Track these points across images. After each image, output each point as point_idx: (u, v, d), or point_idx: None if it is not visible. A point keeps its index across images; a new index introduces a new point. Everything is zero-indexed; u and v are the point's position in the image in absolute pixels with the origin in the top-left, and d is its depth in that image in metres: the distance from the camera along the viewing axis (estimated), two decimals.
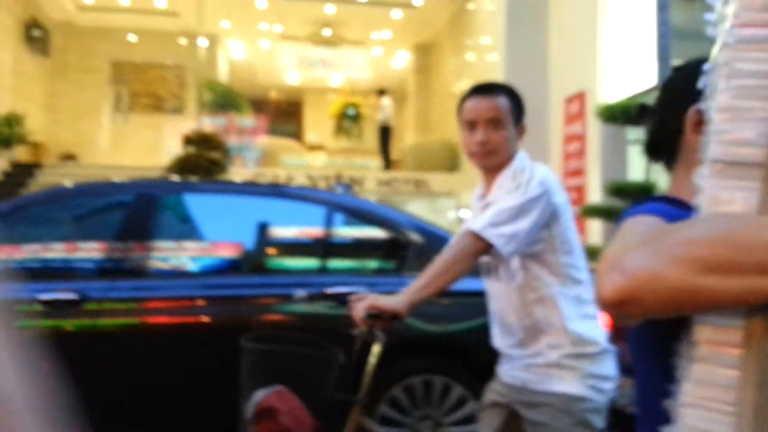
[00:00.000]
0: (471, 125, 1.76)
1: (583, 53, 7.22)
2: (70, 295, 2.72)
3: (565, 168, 7.57)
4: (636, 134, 6.59)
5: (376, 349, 1.79)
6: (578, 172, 7.23)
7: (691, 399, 0.68)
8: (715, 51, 0.83)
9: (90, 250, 3.10)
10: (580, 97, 7.24)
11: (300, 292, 2.84)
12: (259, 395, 1.69)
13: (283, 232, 3.42)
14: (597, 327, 1.71)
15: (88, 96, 13.95)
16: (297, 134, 17.92)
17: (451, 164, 11.84)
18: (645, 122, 1.09)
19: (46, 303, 2.70)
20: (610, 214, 5.88)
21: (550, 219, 1.68)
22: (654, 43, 5.84)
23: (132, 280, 2.91)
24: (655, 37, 5.81)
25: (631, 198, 5.70)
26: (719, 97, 0.69)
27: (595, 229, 6.64)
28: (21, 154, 11.42)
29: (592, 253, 6.18)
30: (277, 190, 3.53)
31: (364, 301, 1.64)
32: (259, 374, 1.73)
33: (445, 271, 1.61)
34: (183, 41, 13.95)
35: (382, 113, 12.69)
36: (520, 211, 1.62)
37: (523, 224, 1.62)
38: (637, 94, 6.19)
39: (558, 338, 1.66)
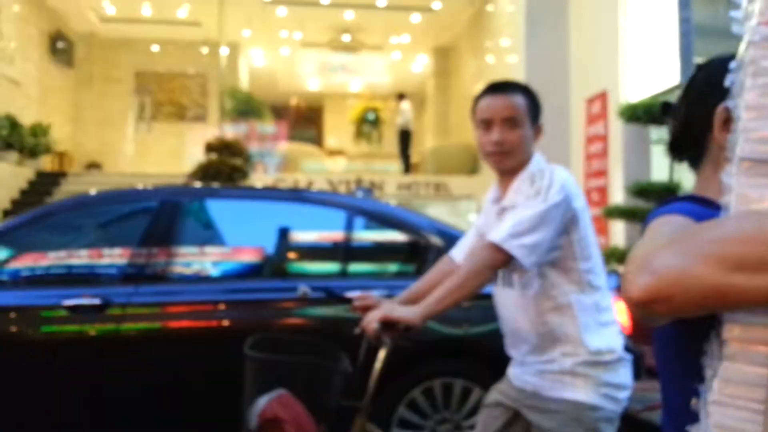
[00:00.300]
0: (486, 124, 1.70)
1: (604, 53, 7.15)
2: (94, 301, 2.75)
3: (588, 169, 7.49)
4: (659, 134, 6.49)
5: (382, 354, 1.75)
6: (601, 173, 7.14)
7: (719, 397, 0.68)
8: (741, 48, 0.81)
9: (114, 256, 3.14)
10: (601, 96, 7.16)
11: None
12: (262, 402, 1.67)
13: (304, 236, 3.43)
14: (614, 334, 1.67)
15: (112, 106, 14.20)
16: (317, 139, 18.03)
17: (470, 167, 11.79)
18: (668, 120, 1.07)
19: (70, 308, 2.73)
20: (633, 215, 5.79)
21: (569, 225, 1.64)
22: (676, 41, 5.73)
23: (155, 285, 2.93)
24: (677, 35, 5.71)
25: (654, 199, 5.60)
26: (746, 95, 0.69)
27: (618, 230, 6.55)
28: (46, 163, 11.64)
29: (616, 255, 6.11)
30: (297, 195, 3.55)
31: (377, 311, 1.59)
32: (263, 383, 1.72)
33: (463, 284, 1.57)
34: (205, 50, 14.13)
35: (402, 117, 12.70)
36: (541, 220, 1.57)
37: (545, 233, 1.57)
38: (660, 92, 6.09)
39: (573, 347, 1.62)
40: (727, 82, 0.87)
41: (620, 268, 5.66)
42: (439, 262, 2.01)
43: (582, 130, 7.70)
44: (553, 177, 1.62)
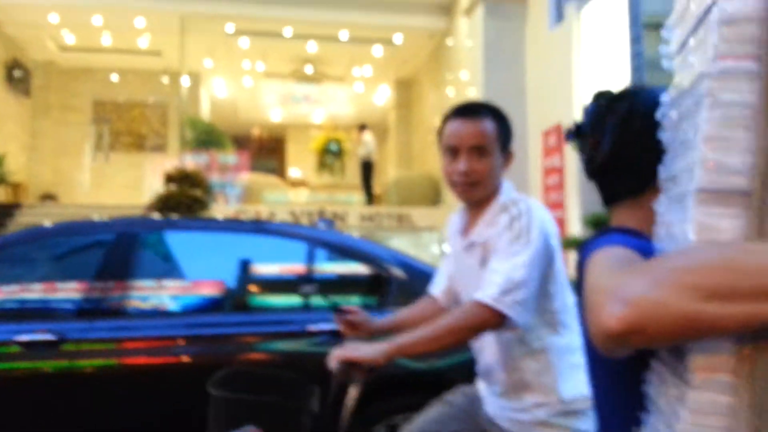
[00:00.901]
0: (453, 152, 1.59)
1: (559, 86, 7.38)
2: (48, 336, 2.67)
3: (546, 200, 7.66)
4: None
5: (352, 392, 1.69)
6: (558, 204, 7.31)
7: (688, 427, 0.68)
8: (677, 83, 0.84)
9: (68, 290, 3.07)
10: (557, 129, 7.37)
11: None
12: None
13: (265, 269, 3.40)
14: (585, 377, 1.63)
15: (69, 135, 13.93)
16: (279, 170, 18.00)
17: (433, 198, 11.92)
18: (579, 143, 1.09)
19: (23, 344, 2.65)
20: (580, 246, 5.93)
21: (547, 265, 1.53)
22: (628, 74, 5.99)
23: (111, 319, 2.86)
24: (629, 69, 5.97)
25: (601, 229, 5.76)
26: (704, 127, 0.70)
27: (575, 261, 6.68)
28: (0, 194, 11.31)
29: (571, 285, 6.23)
30: (258, 227, 3.52)
31: (340, 350, 1.47)
32: (227, 423, 1.66)
33: (441, 337, 1.44)
34: (165, 80, 14.04)
35: (364, 148, 12.80)
36: (530, 270, 1.45)
37: (534, 283, 1.46)
38: None
39: (546, 396, 1.55)
40: (658, 115, 0.90)
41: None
42: (422, 299, 1.94)
43: (539, 162, 7.89)
44: (531, 216, 1.51)
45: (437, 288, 1.88)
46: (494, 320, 1.43)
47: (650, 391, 0.81)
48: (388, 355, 1.44)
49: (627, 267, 0.74)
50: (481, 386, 1.72)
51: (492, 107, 1.65)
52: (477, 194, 1.60)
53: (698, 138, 0.71)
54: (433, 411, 1.74)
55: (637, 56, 5.79)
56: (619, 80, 6.20)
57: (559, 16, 7.69)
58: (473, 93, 9.00)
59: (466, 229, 1.66)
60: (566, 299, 1.59)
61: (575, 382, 1.54)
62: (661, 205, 0.87)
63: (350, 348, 1.48)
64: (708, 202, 0.69)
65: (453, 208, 8.09)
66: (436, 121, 12.15)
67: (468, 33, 9.42)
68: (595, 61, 6.77)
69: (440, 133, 1.65)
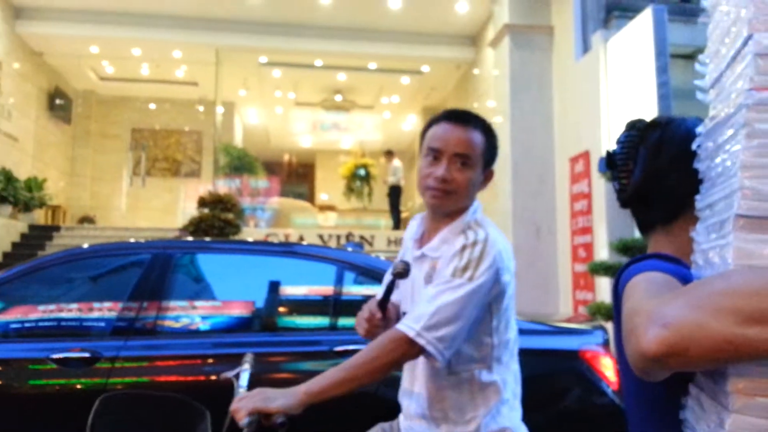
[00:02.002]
0: (435, 155, 1.48)
1: (586, 114, 7.40)
2: (83, 354, 2.75)
3: (574, 226, 7.63)
4: None
5: None
6: (586, 230, 7.28)
7: None
8: (713, 114, 0.86)
9: (104, 310, 3.16)
10: (584, 155, 7.37)
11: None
12: None
13: (294, 290, 3.46)
14: (511, 411, 1.50)
15: (107, 161, 14.40)
16: (309, 195, 18.22)
17: None
18: (614, 173, 1.10)
19: (59, 362, 2.73)
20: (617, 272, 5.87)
21: (492, 300, 1.43)
22: (655, 103, 6.00)
23: (144, 338, 2.93)
24: (656, 98, 5.98)
25: (638, 255, 5.70)
26: (741, 156, 0.72)
27: (604, 286, 6.63)
28: (40, 217, 11.68)
29: (602, 310, 6.15)
30: (288, 249, 3.58)
31: (248, 400, 1.27)
32: None
33: (358, 376, 1.32)
34: (201, 108, 14.45)
35: (393, 174, 12.86)
36: (464, 306, 1.35)
37: (466, 320, 1.36)
38: None
39: (464, 430, 1.45)
40: (694, 146, 0.92)
41: (607, 324, 5.70)
42: None
43: (567, 188, 7.88)
44: (486, 247, 1.39)
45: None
46: (413, 353, 1.35)
47: (688, 416, 0.82)
48: (303, 403, 1.28)
49: (666, 291, 0.76)
50: (402, 423, 1.60)
51: (483, 120, 1.55)
52: (448, 205, 1.48)
53: (736, 167, 0.73)
54: None
55: (663, 85, 5.81)
56: (645, 109, 6.20)
57: (585, 46, 7.75)
58: (500, 120, 9.06)
59: (423, 238, 1.56)
60: (508, 335, 1.49)
61: (499, 418, 1.46)
62: (699, 233, 0.88)
63: (259, 398, 1.27)
64: (747, 229, 0.70)
65: None
66: None
67: (494, 63, 9.52)
68: (622, 90, 6.79)
69: (423, 134, 1.55)
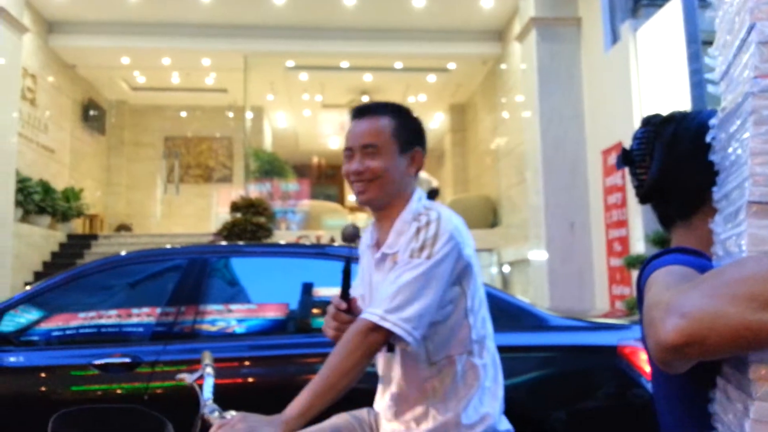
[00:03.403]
0: (349, 153, 1.51)
1: (618, 105, 7.28)
2: (124, 359, 2.79)
3: (608, 219, 7.51)
4: None
5: None
6: (621, 223, 7.16)
7: None
8: (723, 106, 0.87)
9: (143, 315, 3.22)
10: (617, 147, 7.25)
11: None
12: None
13: (327, 291, 3.48)
14: (493, 398, 1.45)
15: (142, 170, 14.70)
16: (339, 196, 18.30)
17: (490, 220, 11.85)
18: (632, 168, 1.11)
19: (100, 367, 2.78)
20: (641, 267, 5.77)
21: (461, 275, 1.41)
22: (687, 92, 5.87)
23: (183, 342, 2.96)
24: (688, 86, 5.85)
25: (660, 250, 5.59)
26: (750, 143, 0.73)
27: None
28: (78, 226, 11.98)
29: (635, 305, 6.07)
30: (321, 251, 3.61)
31: (230, 430, 1.19)
32: None
33: (335, 383, 1.27)
34: (230, 114, 14.66)
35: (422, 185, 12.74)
36: (425, 282, 1.32)
37: (431, 297, 1.32)
38: None
39: (445, 425, 1.40)
40: (708, 138, 0.93)
41: None
42: None
43: (600, 181, 7.76)
44: (440, 225, 1.38)
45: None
46: (380, 340, 1.31)
47: (716, 409, 0.82)
48: (290, 428, 1.22)
49: (685, 283, 0.76)
50: (385, 426, 1.54)
51: (394, 106, 1.55)
52: (376, 195, 1.48)
53: (746, 154, 0.74)
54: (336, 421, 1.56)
55: (695, 73, 5.67)
56: (678, 98, 6.07)
57: (614, 37, 7.62)
58: (528, 115, 8.97)
59: (378, 242, 1.54)
60: (482, 313, 1.46)
61: (480, 407, 1.42)
62: (717, 224, 0.89)
63: (242, 427, 1.19)
64: (759, 215, 0.71)
65: (510, 230, 8.01)
66: (492, 144, 12.15)
67: (521, 57, 9.43)
68: (654, 79, 6.66)
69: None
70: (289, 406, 1.26)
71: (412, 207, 1.47)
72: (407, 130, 1.53)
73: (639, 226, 6.65)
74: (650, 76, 6.73)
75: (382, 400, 1.52)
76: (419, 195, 1.51)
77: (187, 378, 1.72)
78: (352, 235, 1.46)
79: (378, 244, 1.53)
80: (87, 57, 11.80)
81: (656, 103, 6.58)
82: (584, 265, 8.05)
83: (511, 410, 2.84)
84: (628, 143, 1.15)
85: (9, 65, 8.41)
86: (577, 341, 3.00)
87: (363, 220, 14.30)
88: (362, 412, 1.58)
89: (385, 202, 1.49)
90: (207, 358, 1.77)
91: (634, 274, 6.66)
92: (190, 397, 2.85)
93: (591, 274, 8.01)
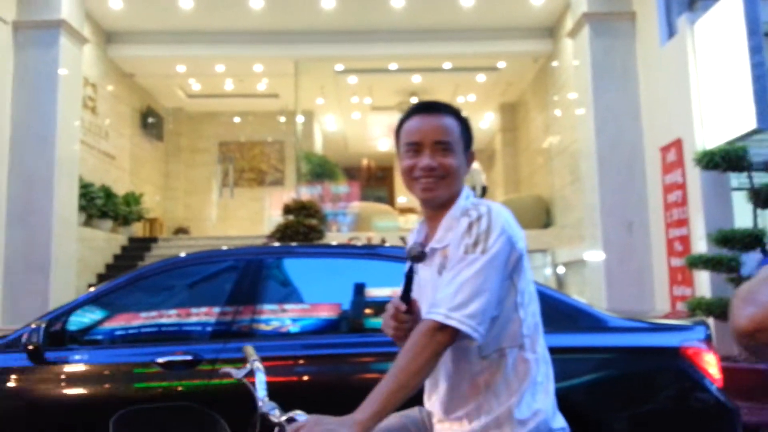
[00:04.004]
0: (415, 148, 1.50)
1: (676, 101, 7.05)
2: (185, 357, 2.87)
3: (668, 218, 7.27)
4: (740, 180, 6.27)
5: None
6: (681, 222, 6.92)
7: None
8: None
9: (202, 314, 3.31)
10: (676, 144, 7.02)
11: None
12: None
13: (378, 291, 3.50)
14: (547, 396, 1.44)
15: (198, 174, 15.14)
16: (388, 198, 18.37)
17: (544, 220, 11.66)
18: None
19: (163, 365, 2.87)
20: (718, 264, 5.55)
21: (513, 269, 1.40)
22: (749, 85, 5.63)
23: (241, 341, 2.99)
24: (750, 80, 5.61)
25: (739, 246, 5.37)
26: None
27: (704, 280, 6.27)
28: (138, 230, 12.41)
29: (702, 306, 5.85)
30: (372, 251, 3.63)
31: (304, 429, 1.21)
32: None
33: (408, 378, 1.27)
34: (282, 119, 14.93)
35: (482, 175, 12.62)
36: (485, 278, 1.33)
37: (491, 292, 1.33)
38: (736, 138, 5.93)
39: (496, 421, 1.39)
40: None
41: (708, 320, 5.41)
42: None
43: (659, 179, 7.52)
44: (492, 218, 1.38)
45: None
46: (447, 340, 1.31)
47: None
48: (364, 429, 1.22)
49: None
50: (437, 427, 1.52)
51: (453, 107, 1.57)
52: (442, 192, 1.48)
53: None
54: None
55: (758, 66, 5.45)
56: (740, 92, 5.83)
57: (670, 30, 7.38)
58: (582, 113, 8.78)
59: (426, 240, 1.54)
60: (533, 307, 1.46)
61: (531, 401, 1.40)
62: None
63: (318, 430, 1.20)
64: None
65: (564, 230, 7.85)
66: (544, 142, 11.96)
67: (574, 54, 9.24)
68: (713, 73, 6.41)
69: (397, 133, 1.57)
70: (360, 407, 1.25)
71: (460, 204, 1.48)
72: (467, 132, 1.56)
73: (701, 225, 6.41)
74: (709, 70, 6.49)
75: (433, 397, 1.52)
76: (467, 193, 1.52)
77: (234, 373, 1.73)
78: (419, 254, 1.45)
79: (426, 241, 1.54)
80: (144, 66, 12.22)
81: (716, 97, 6.34)
82: (643, 266, 7.82)
83: (568, 411, 2.79)
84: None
85: (71, 75, 8.80)
86: (636, 342, 2.95)
87: (413, 221, 14.30)
88: (413, 411, 1.58)
89: (446, 199, 1.49)
90: (252, 353, 1.76)
91: (697, 274, 6.42)
92: (248, 394, 2.93)
93: (650, 275, 7.77)
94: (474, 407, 1.41)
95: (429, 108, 1.53)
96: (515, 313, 1.41)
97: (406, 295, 1.43)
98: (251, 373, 1.69)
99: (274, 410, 1.44)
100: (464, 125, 1.55)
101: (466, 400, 1.42)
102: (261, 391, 1.59)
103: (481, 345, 1.38)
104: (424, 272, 1.51)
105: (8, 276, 7.93)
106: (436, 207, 1.51)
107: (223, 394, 2.87)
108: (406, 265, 1.49)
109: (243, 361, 2.96)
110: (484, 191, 12.65)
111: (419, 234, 1.58)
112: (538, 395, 1.41)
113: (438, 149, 1.47)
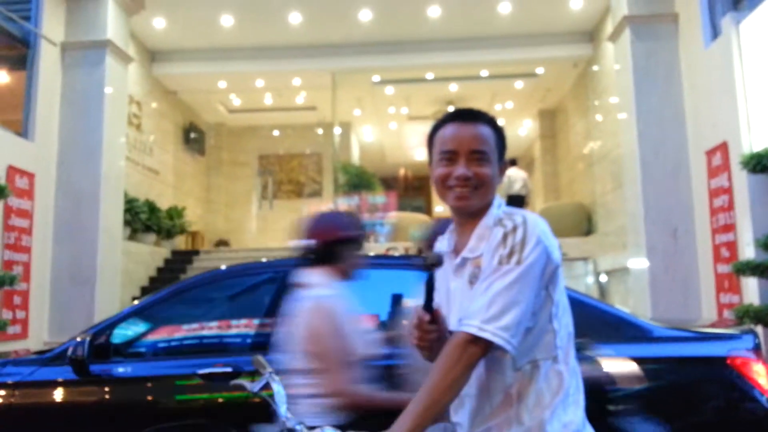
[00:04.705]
0: (450, 156, 1.47)
1: (722, 103, 6.84)
2: (226, 369, 2.88)
3: (714, 224, 7.05)
4: None
5: None
6: (728, 227, 6.70)
7: None
8: None
9: (242, 326, 3.35)
10: (722, 147, 6.81)
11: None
12: None
13: (416, 302, 3.47)
14: (576, 407, 1.42)
15: (238, 187, 15.42)
16: (426, 207, 18.33)
17: (585, 227, 11.44)
18: None
19: (204, 377, 2.95)
20: (766, 270, 5.35)
21: (549, 280, 1.39)
22: None
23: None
24: None
25: None
26: None
27: (752, 287, 6.05)
28: (181, 242, 12.69)
29: (750, 313, 5.65)
30: (409, 262, 3.63)
31: None
32: None
33: (442, 393, 1.26)
34: (320, 131, 15.10)
35: (509, 186, 12.48)
36: (519, 289, 1.31)
37: (525, 303, 1.31)
38: None
39: None
40: None
41: (757, 328, 5.20)
42: None
43: (704, 183, 7.31)
44: (527, 229, 1.37)
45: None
46: (482, 350, 1.30)
47: None
48: None
49: None
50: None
51: (489, 115, 1.54)
52: (475, 201, 1.46)
53: None
54: None
55: None
56: None
57: (715, 31, 7.18)
58: (624, 117, 8.61)
59: (457, 248, 1.52)
60: (567, 319, 1.44)
61: (563, 413, 1.38)
62: None
63: None
64: None
65: (607, 237, 7.69)
66: (585, 148, 11.75)
67: (615, 57, 9.08)
68: (760, 74, 6.20)
69: (430, 141, 1.56)
70: (396, 423, 1.25)
71: (493, 212, 1.46)
72: (502, 142, 1.53)
73: (748, 230, 6.19)
74: (756, 71, 6.28)
75: (460, 410, 1.48)
76: (499, 202, 1.50)
77: (249, 386, 1.68)
78: (436, 262, 1.41)
79: (456, 251, 1.51)
80: (187, 83, 12.55)
81: (763, 99, 6.13)
82: (689, 273, 7.58)
83: (612, 423, 2.73)
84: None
85: (116, 94, 9.08)
86: (682, 352, 2.90)
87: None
88: (437, 429, 1.55)
89: (479, 208, 1.47)
90: (264, 363, 1.69)
91: (744, 280, 6.20)
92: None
93: (697, 282, 7.54)
94: (504, 419, 1.39)
95: (465, 116, 1.51)
96: (550, 324, 1.40)
97: (428, 304, 1.40)
98: (267, 386, 1.65)
99: (299, 425, 1.43)
100: (499, 134, 1.53)
101: (497, 412, 1.39)
102: (282, 405, 1.56)
103: (514, 356, 1.35)
104: (454, 283, 1.50)
105: (55, 290, 8.18)
106: (468, 216, 1.49)
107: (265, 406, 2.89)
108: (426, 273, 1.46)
109: (281, 373, 2.98)
110: (520, 201, 12.37)
111: (448, 243, 1.55)
112: (569, 407, 1.39)
113: (473, 158, 1.45)
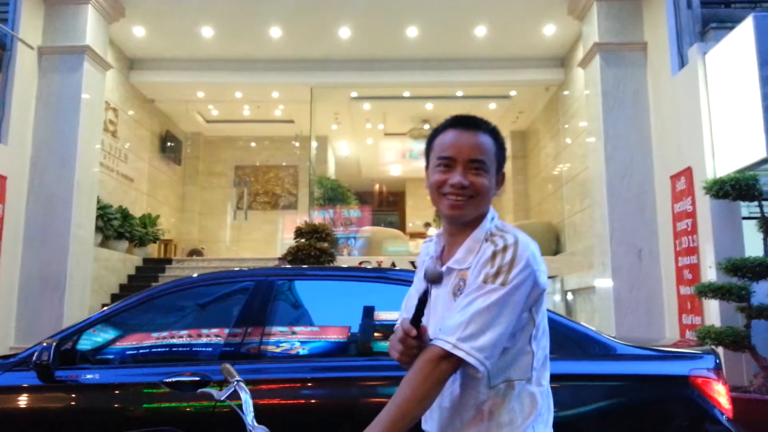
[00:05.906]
0: (447, 163, 1.43)
1: (687, 129, 7.09)
2: (193, 378, 2.89)
3: (678, 246, 7.26)
4: (751, 209, 6.26)
5: None
6: (691, 250, 6.91)
7: None
8: None
9: (211, 335, 3.33)
10: (686, 172, 7.04)
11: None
12: None
13: (388, 315, 3.50)
14: (545, 427, 1.42)
15: (214, 197, 15.35)
16: (399, 223, 18.43)
17: (553, 247, 11.64)
18: None
19: (171, 385, 2.89)
20: (728, 293, 5.53)
21: (533, 303, 1.37)
22: (760, 114, 5.67)
23: (249, 362, 3.02)
24: (761, 110, 5.65)
25: (749, 275, 5.36)
26: None
27: (713, 308, 6.24)
28: (153, 251, 12.55)
29: (711, 334, 5.80)
30: (381, 275, 3.65)
31: None
32: None
33: (412, 406, 1.25)
34: (297, 144, 15.13)
35: None
36: (499, 311, 1.29)
37: (504, 326, 1.29)
38: (746, 166, 5.95)
39: None
40: None
41: (718, 349, 5.36)
42: None
43: (669, 207, 7.53)
44: (518, 250, 1.34)
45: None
46: (453, 367, 1.28)
47: None
48: None
49: None
50: None
51: (491, 124, 1.51)
52: (469, 211, 1.42)
53: None
54: None
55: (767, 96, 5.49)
56: (750, 122, 5.87)
57: (682, 61, 7.46)
58: (593, 141, 8.84)
59: (444, 255, 1.50)
60: (545, 342, 1.43)
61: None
62: None
63: None
64: None
65: (574, 257, 7.85)
66: (554, 170, 11.97)
67: (585, 83, 9.33)
68: (724, 103, 6.46)
69: (429, 146, 1.51)
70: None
71: (485, 226, 1.43)
72: (502, 152, 1.50)
73: (710, 253, 6.40)
74: (720, 99, 6.53)
75: (432, 420, 1.47)
76: (492, 214, 1.47)
77: (216, 395, 1.63)
78: (437, 278, 1.39)
79: (442, 258, 1.49)
80: (165, 92, 12.49)
81: (727, 127, 6.38)
82: (653, 294, 7.78)
83: None
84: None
85: (93, 100, 9.02)
86: (645, 370, 2.91)
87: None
88: None
89: (472, 219, 1.44)
90: (232, 372, 1.65)
91: (706, 302, 6.39)
92: (259, 416, 2.95)
93: (660, 303, 7.73)
94: None
95: (467, 123, 1.47)
96: (528, 346, 1.39)
97: (417, 320, 1.36)
98: (235, 394, 1.62)
99: None
100: (500, 145, 1.49)
101: (467, 427, 1.39)
102: (249, 414, 1.53)
103: (490, 373, 1.34)
104: (436, 290, 1.47)
105: (24, 295, 8.05)
106: (460, 225, 1.45)
107: (232, 415, 2.90)
108: (414, 291, 1.46)
109: (250, 383, 3.00)
110: None
111: (436, 246, 1.53)
112: (538, 426, 1.38)
113: (471, 167, 1.41)
